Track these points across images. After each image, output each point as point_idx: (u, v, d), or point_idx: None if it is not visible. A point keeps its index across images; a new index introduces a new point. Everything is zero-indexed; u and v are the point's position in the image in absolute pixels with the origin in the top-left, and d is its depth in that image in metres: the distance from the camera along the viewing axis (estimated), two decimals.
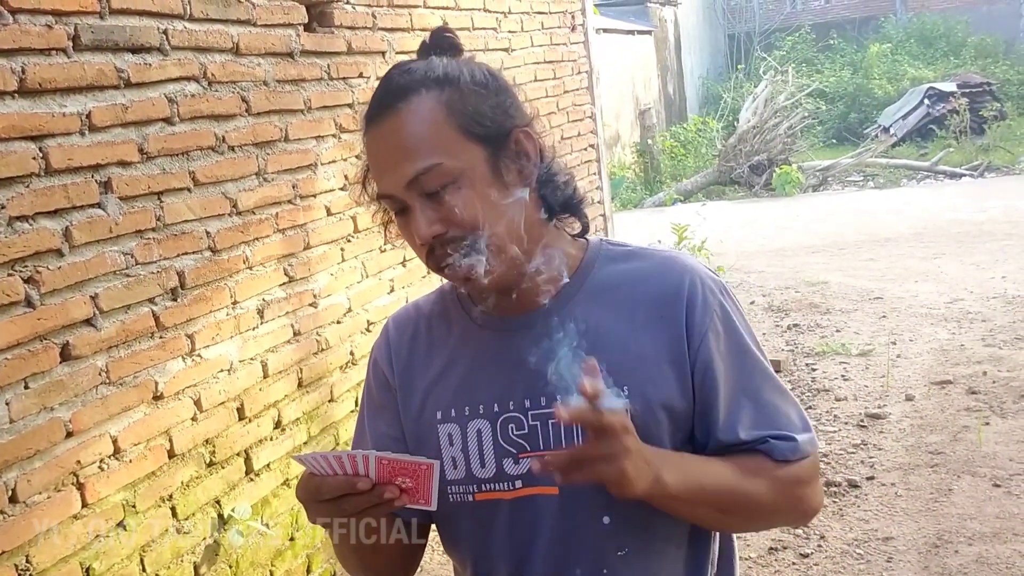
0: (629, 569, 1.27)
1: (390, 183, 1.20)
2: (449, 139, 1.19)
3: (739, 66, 19.06)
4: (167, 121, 2.66)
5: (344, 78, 3.46)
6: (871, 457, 4.23)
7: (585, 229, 1.35)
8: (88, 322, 2.39)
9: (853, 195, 12.26)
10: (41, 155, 2.26)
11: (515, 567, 1.31)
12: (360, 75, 3.55)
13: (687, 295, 1.27)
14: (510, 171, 1.23)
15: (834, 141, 16.23)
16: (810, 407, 4.89)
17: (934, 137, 14.44)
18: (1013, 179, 12.05)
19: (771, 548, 3.51)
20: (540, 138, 1.27)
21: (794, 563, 3.41)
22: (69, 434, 2.32)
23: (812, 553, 3.46)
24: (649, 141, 14.83)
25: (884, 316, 6.40)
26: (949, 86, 15.03)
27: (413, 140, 1.19)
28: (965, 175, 12.55)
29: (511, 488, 1.28)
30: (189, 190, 2.73)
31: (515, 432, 1.28)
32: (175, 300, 2.67)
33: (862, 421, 4.64)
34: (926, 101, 15.12)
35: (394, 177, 1.19)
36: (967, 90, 14.64)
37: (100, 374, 2.42)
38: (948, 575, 3.23)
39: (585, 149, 5.89)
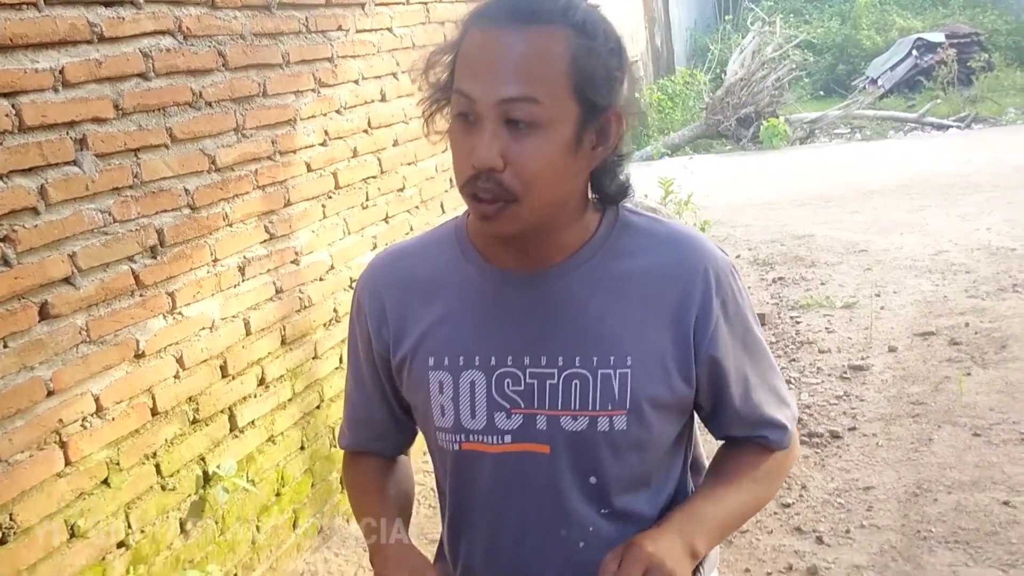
0: (613, 528, 1.29)
1: (482, 89, 1.14)
2: (559, 85, 1.15)
3: (727, 17, 18.87)
4: (142, 76, 2.62)
5: (323, 31, 3.41)
6: (853, 408, 4.26)
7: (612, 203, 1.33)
8: (67, 281, 2.38)
9: (840, 147, 12.23)
10: (14, 112, 2.23)
11: (494, 522, 1.32)
12: (339, 28, 3.50)
13: (701, 283, 1.26)
14: (586, 144, 1.19)
15: (822, 93, 16.14)
16: (794, 359, 4.93)
17: (922, 88, 14.36)
18: (1000, 130, 12.03)
19: None
20: (626, 127, 1.24)
21: (775, 513, 3.45)
22: (50, 393, 2.32)
23: (794, 503, 3.50)
24: (636, 94, 14.70)
25: (869, 268, 6.42)
26: (937, 36, 14.92)
27: (527, 65, 1.14)
28: (952, 127, 12.52)
29: (500, 442, 1.29)
30: (166, 147, 2.70)
31: (511, 387, 1.28)
32: (155, 258, 2.65)
33: (845, 373, 4.68)
34: (914, 52, 15.02)
35: (490, 86, 1.14)
36: (955, 40, 14.55)
37: (80, 333, 2.41)
38: (927, 523, 3.27)
39: None
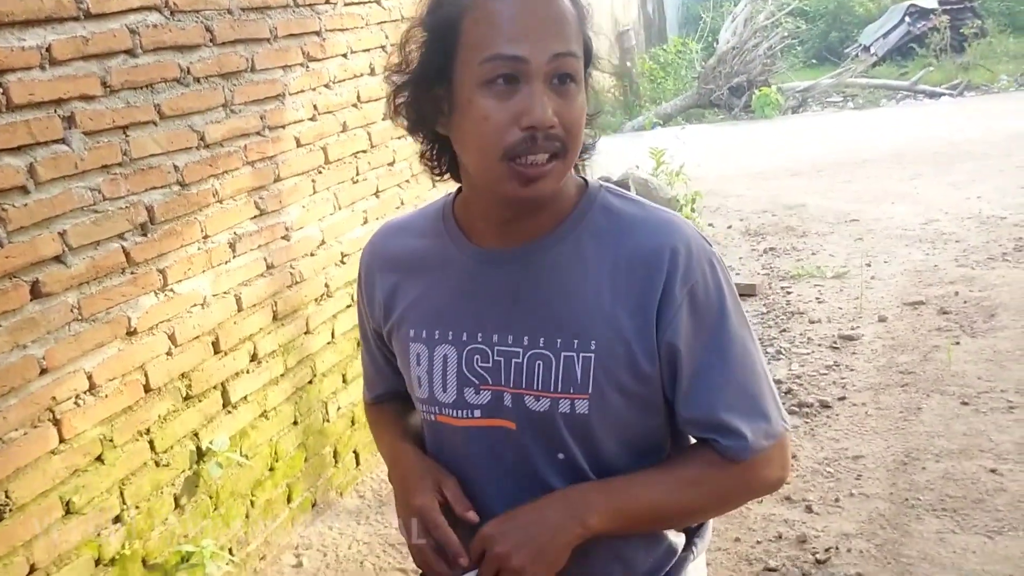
0: None
1: (532, 48, 1.14)
2: (579, 41, 1.21)
3: None
4: (129, 53, 2.61)
5: (311, 5, 3.39)
6: (843, 378, 4.29)
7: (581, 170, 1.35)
8: (57, 259, 2.38)
9: (832, 116, 12.21)
10: (1, 91, 2.23)
11: (472, 490, 1.35)
12: (327, 1, 3.48)
13: (668, 263, 1.23)
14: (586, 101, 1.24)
15: (814, 61, 16.09)
16: (784, 330, 4.95)
17: (915, 56, 14.34)
18: (992, 98, 12.02)
19: None
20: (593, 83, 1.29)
21: None
22: (43, 371, 2.33)
23: None
24: (628, 64, 14.66)
25: (860, 238, 6.44)
26: (930, 3, 14.86)
27: (564, 21, 1.18)
28: (944, 94, 12.51)
29: (470, 416, 1.31)
30: (155, 124, 2.70)
31: (479, 363, 1.30)
32: (145, 235, 2.66)
33: (835, 343, 4.71)
34: (907, 19, 14.97)
35: (542, 44, 1.15)
36: (948, 7, 14.50)
37: (72, 311, 2.42)
38: (915, 491, 3.31)
39: None
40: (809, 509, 3.28)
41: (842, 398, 4.09)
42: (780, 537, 3.13)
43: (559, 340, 1.25)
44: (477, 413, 1.31)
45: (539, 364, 1.26)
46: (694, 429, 1.31)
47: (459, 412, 1.32)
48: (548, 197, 1.22)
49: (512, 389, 1.28)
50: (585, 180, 1.34)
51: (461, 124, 1.20)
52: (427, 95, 1.23)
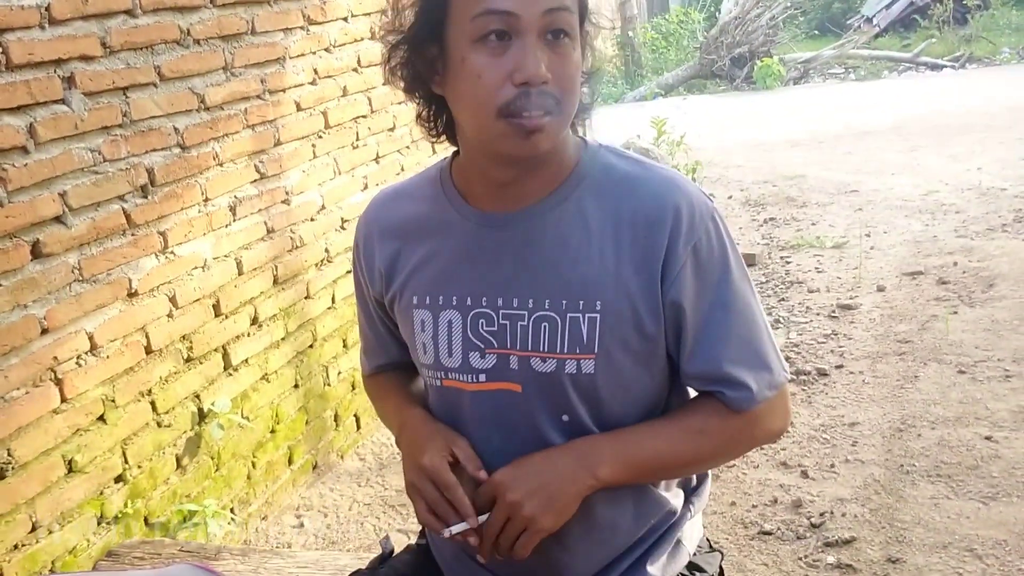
0: None
1: (525, 1, 1.13)
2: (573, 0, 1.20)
3: None
4: (129, 13, 2.60)
5: None
6: (841, 347, 4.31)
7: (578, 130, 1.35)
8: (58, 220, 2.39)
9: (834, 88, 12.17)
10: (1, 50, 2.22)
11: (479, 453, 1.35)
12: None
13: (671, 221, 1.23)
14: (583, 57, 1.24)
15: (816, 32, 15.99)
16: (783, 299, 4.97)
17: (917, 27, 14.26)
18: (994, 70, 11.97)
19: None
20: (593, 38, 1.29)
21: (762, 448, 3.51)
22: (44, 331, 2.35)
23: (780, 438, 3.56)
24: (630, 33, 14.59)
25: (860, 209, 6.44)
26: None
27: None
28: (946, 67, 12.46)
29: (475, 380, 1.32)
30: (155, 85, 2.69)
31: (484, 328, 1.30)
32: (145, 197, 2.66)
33: (833, 312, 4.72)
34: None
35: None
36: None
37: (73, 271, 2.43)
38: (910, 457, 3.34)
39: None
40: (805, 474, 3.30)
41: (839, 366, 4.11)
42: (776, 501, 3.16)
43: (565, 302, 1.26)
44: (483, 377, 1.31)
45: (545, 326, 1.27)
46: (699, 383, 1.32)
47: (465, 376, 1.32)
48: (547, 153, 1.21)
49: (518, 352, 1.28)
50: (584, 140, 1.34)
51: (456, 83, 1.20)
52: (421, 55, 1.23)
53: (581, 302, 1.25)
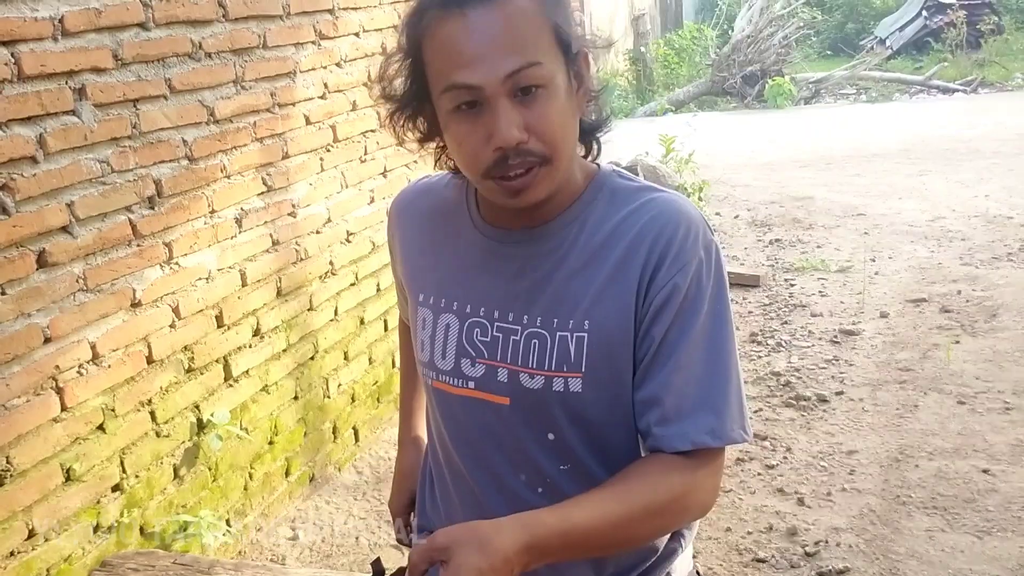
0: (571, 483, 1.32)
1: (483, 73, 1.14)
2: (546, 40, 1.17)
3: None
4: (142, 27, 2.63)
5: None
6: (842, 372, 4.31)
7: (598, 153, 1.36)
8: (64, 230, 2.41)
9: (844, 109, 12.17)
10: (13, 61, 2.24)
11: (463, 456, 1.38)
12: None
13: (664, 243, 1.23)
14: (573, 90, 1.22)
15: (829, 52, 16.03)
16: (786, 322, 4.97)
17: (930, 50, 14.27)
18: (1006, 95, 11.96)
19: (739, 459, 3.61)
20: (594, 63, 1.28)
21: (759, 474, 3.51)
22: (47, 339, 2.37)
23: (778, 464, 3.57)
24: (643, 48, 14.61)
25: (866, 233, 6.44)
26: None
27: (518, 32, 1.15)
28: (958, 91, 12.45)
29: (465, 386, 1.34)
30: (165, 98, 2.72)
31: (479, 337, 1.33)
32: (152, 208, 2.68)
33: (835, 337, 4.72)
34: (924, 12, 14.89)
35: (490, 67, 1.14)
36: (966, 2, 14.41)
37: (77, 281, 2.45)
38: (907, 488, 3.34)
39: None
40: (801, 502, 3.30)
41: (840, 393, 4.11)
42: (771, 528, 3.16)
43: (555, 320, 1.28)
44: (471, 384, 1.33)
45: (535, 343, 1.29)
46: (641, 408, 1.27)
47: (455, 381, 1.35)
48: (541, 201, 1.24)
49: (508, 365, 1.30)
50: (598, 164, 1.36)
51: (448, 144, 1.25)
52: (417, 119, 1.28)
53: (571, 321, 1.27)
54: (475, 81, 1.15)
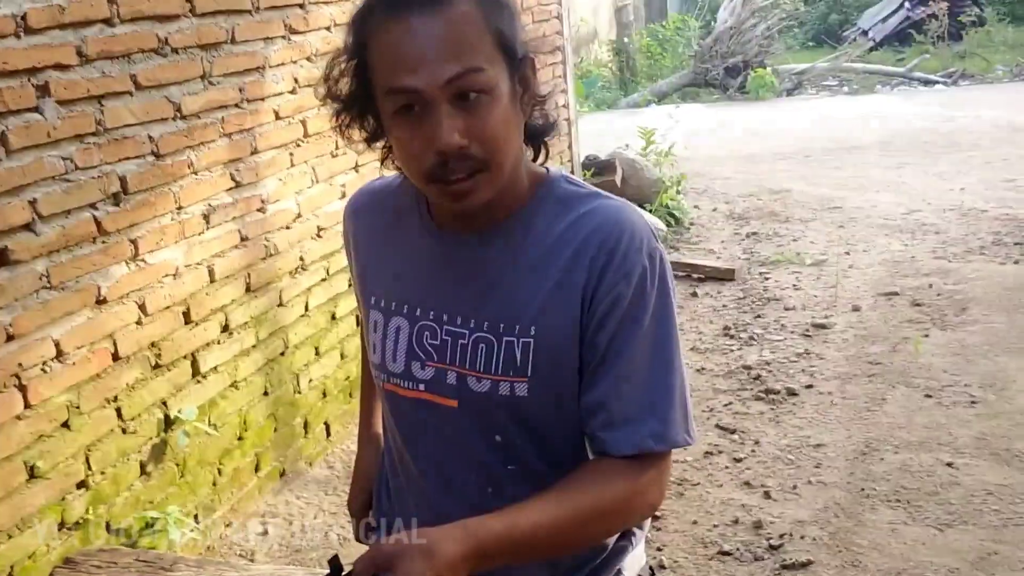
0: (518, 483, 1.34)
1: (424, 77, 1.15)
2: (488, 47, 1.18)
3: None
4: (107, 23, 2.63)
5: None
6: (812, 366, 4.35)
7: (546, 157, 1.37)
8: (27, 227, 2.41)
9: (826, 101, 12.20)
10: None
11: (415, 456, 1.41)
12: None
13: (608, 250, 1.25)
14: (517, 95, 1.23)
15: (812, 43, 16.04)
16: (759, 316, 5.00)
17: (912, 42, 14.29)
18: (986, 88, 12.02)
19: (707, 452, 3.64)
20: (539, 68, 1.30)
21: (727, 467, 3.55)
22: (10, 337, 2.37)
23: (746, 458, 3.60)
24: (626, 39, 14.60)
25: (841, 226, 6.48)
26: None
27: (459, 38, 1.16)
28: (939, 83, 12.51)
29: (415, 389, 1.36)
30: (131, 94, 2.72)
31: (428, 340, 1.34)
32: (117, 205, 2.68)
33: (807, 331, 4.76)
34: (906, 4, 14.92)
35: (431, 72, 1.15)
36: None
37: (41, 279, 2.45)
38: (871, 481, 3.38)
39: (552, 52, 5.84)
40: (767, 495, 3.34)
41: (809, 386, 4.15)
42: (736, 521, 3.20)
43: (501, 325, 1.29)
44: (421, 387, 1.35)
45: (482, 347, 1.30)
46: (587, 413, 1.29)
47: (406, 383, 1.36)
48: (484, 206, 1.25)
49: (456, 368, 1.32)
50: (547, 169, 1.37)
51: (393, 146, 1.26)
52: (361, 121, 1.29)
53: (517, 326, 1.28)
54: (416, 85, 1.16)
